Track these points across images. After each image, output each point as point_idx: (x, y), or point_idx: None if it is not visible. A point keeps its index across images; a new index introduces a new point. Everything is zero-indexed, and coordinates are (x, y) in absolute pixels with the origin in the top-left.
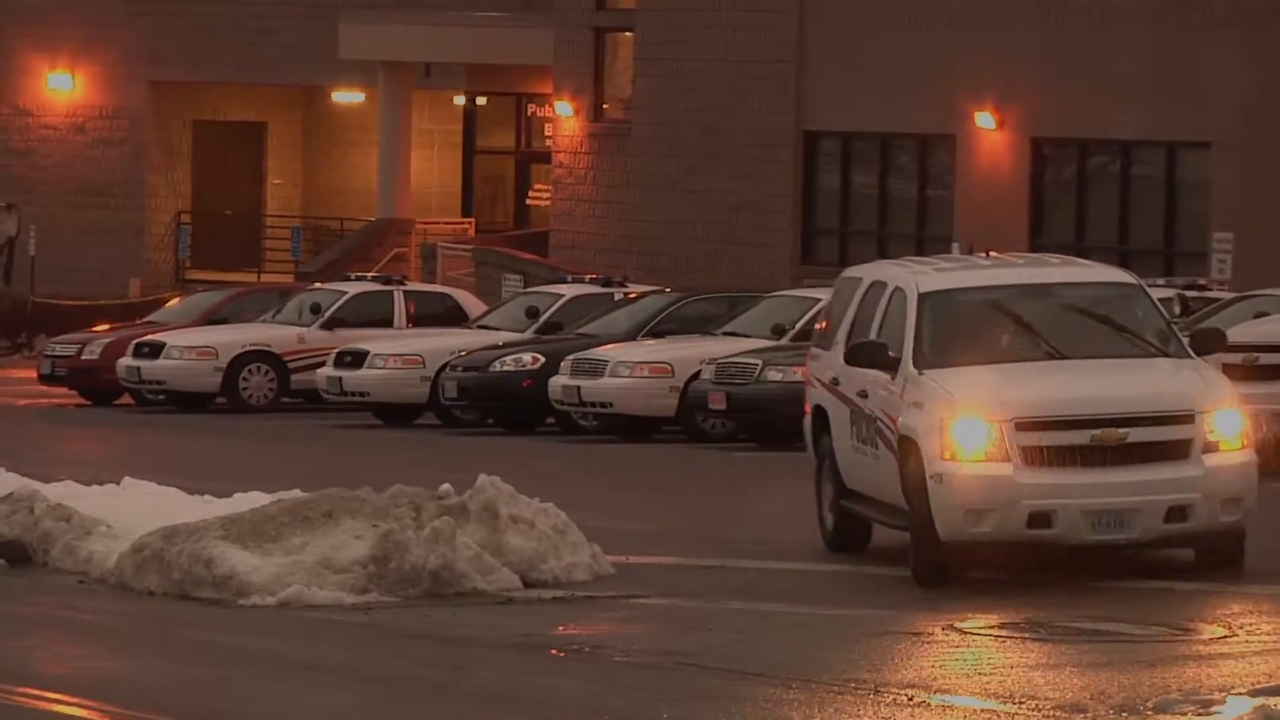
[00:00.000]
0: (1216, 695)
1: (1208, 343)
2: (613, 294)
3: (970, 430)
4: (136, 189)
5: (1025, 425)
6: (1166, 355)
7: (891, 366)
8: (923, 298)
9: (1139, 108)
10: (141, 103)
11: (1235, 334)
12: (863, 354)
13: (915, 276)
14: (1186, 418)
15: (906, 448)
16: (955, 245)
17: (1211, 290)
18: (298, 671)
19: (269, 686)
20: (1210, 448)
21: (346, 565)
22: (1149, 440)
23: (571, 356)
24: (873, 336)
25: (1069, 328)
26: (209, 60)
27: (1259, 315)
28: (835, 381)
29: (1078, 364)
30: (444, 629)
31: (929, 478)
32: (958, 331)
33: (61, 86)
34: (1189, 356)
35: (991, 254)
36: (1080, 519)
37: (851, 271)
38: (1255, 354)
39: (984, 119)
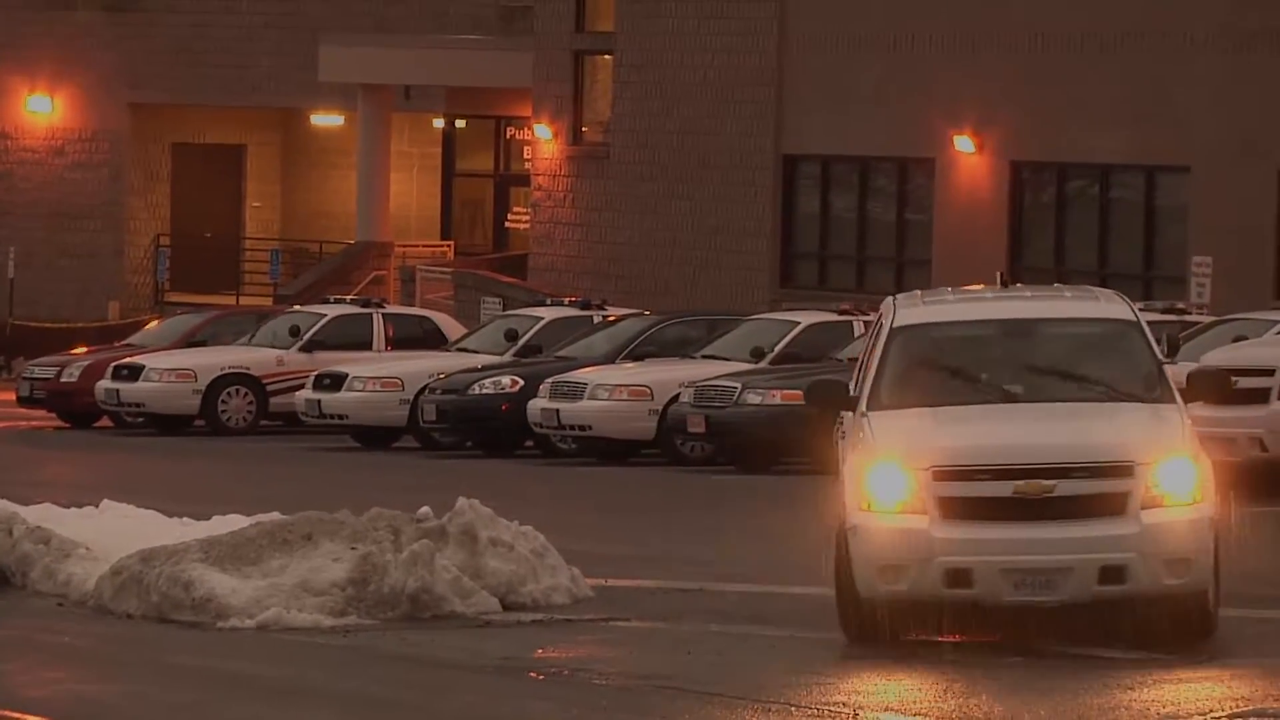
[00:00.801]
0: (1195, 719)
1: (1205, 387)
2: (592, 317)
3: (886, 479)
4: (115, 211)
5: (943, 475)
6: (1144, 400)
7: (850, 406)
8: (894, 332)
9: (1118, 132)
10: (121, 125)
11: (1214, 358)
12: (818, 393)
13: (901, 309)
14: (1123, 469)
15: (837, 494)
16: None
17: (1190, 314)
18: (276, 694)
19: (247, 709)
20: (1152, 503)
21: (325, 588)
22: (1079, 494)
23: (550, 379)
24: (861, 374)
25: (1043, 368)
26: (188, 83)
27: (1237, 339)
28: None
29: (1029, 408)
30: (423, 652)
31: (847, 529)
32: (921, 370)
33: (40, 109)
34: (1172, 402)
35: (1017, 285)
36: (1001, 578)
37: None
38: (1234, 377)
39: (963, 142)
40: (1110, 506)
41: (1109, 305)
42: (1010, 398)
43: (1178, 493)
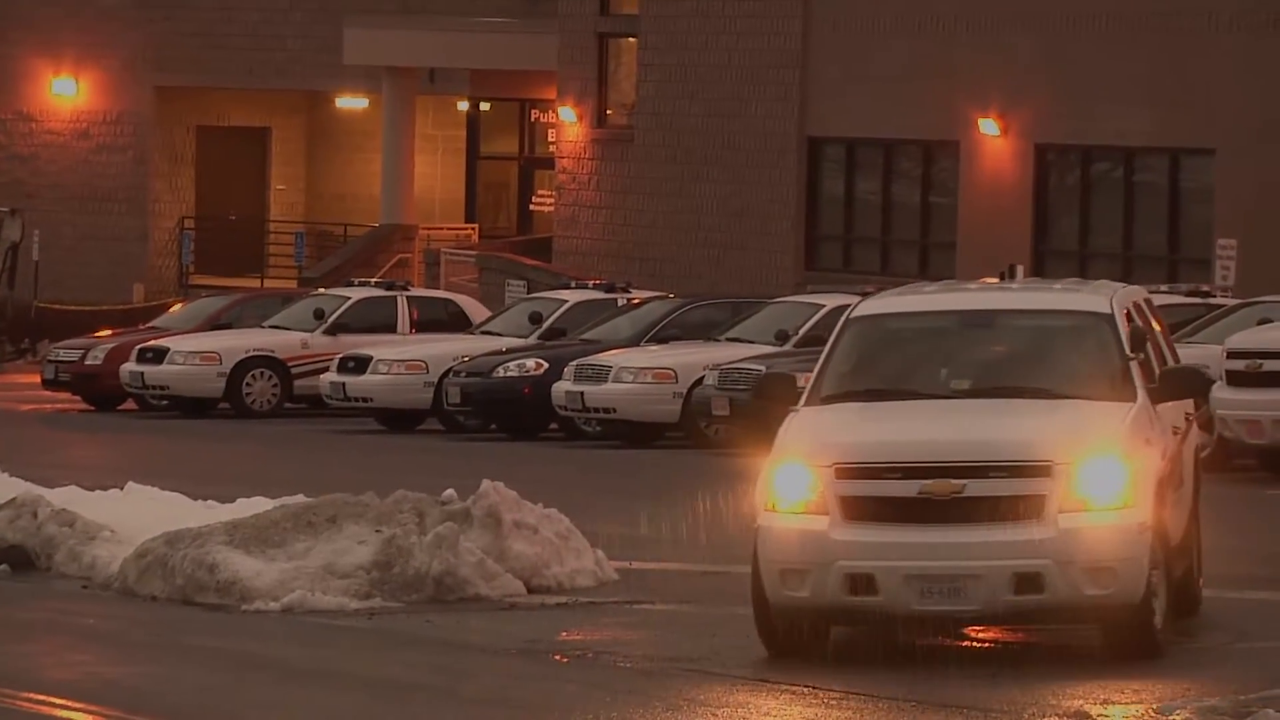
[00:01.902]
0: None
1: (1178, 386)
2: (616, 300)
3: (791, 477)
4: (140, 194)
5: (845, 472)
6: (1098, 398)
7: (794, 401)
8: (849, 323)
9: (1143, 114)
10: (145, 108)
11: (1239, 341)
12: (766, 388)
13: (867, 300)
14: (1039, 469)
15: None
16: (1019, 269)
17: (1215, 297)
18: (301, 677)
19: (272, 692)
20: (1072, 506)
21: (350, 571)
22: (991, 495)
23: (575, 362)
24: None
25: (997, 362)
26: (213, 65)
27: (1263, 321)
28: None
29: (958, 404)
30: (447, 634)
31: (755, 530)
32: (869, 363)
33: (65, 92)
34: (1131, 400)
35: (1027, 277)
36: (906, 585)
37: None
38: (1259, 360)
39: (988, 125)
40: (1025, 509)
41: (1085, 297)
42: (955, 393)
43: (1102, 496)
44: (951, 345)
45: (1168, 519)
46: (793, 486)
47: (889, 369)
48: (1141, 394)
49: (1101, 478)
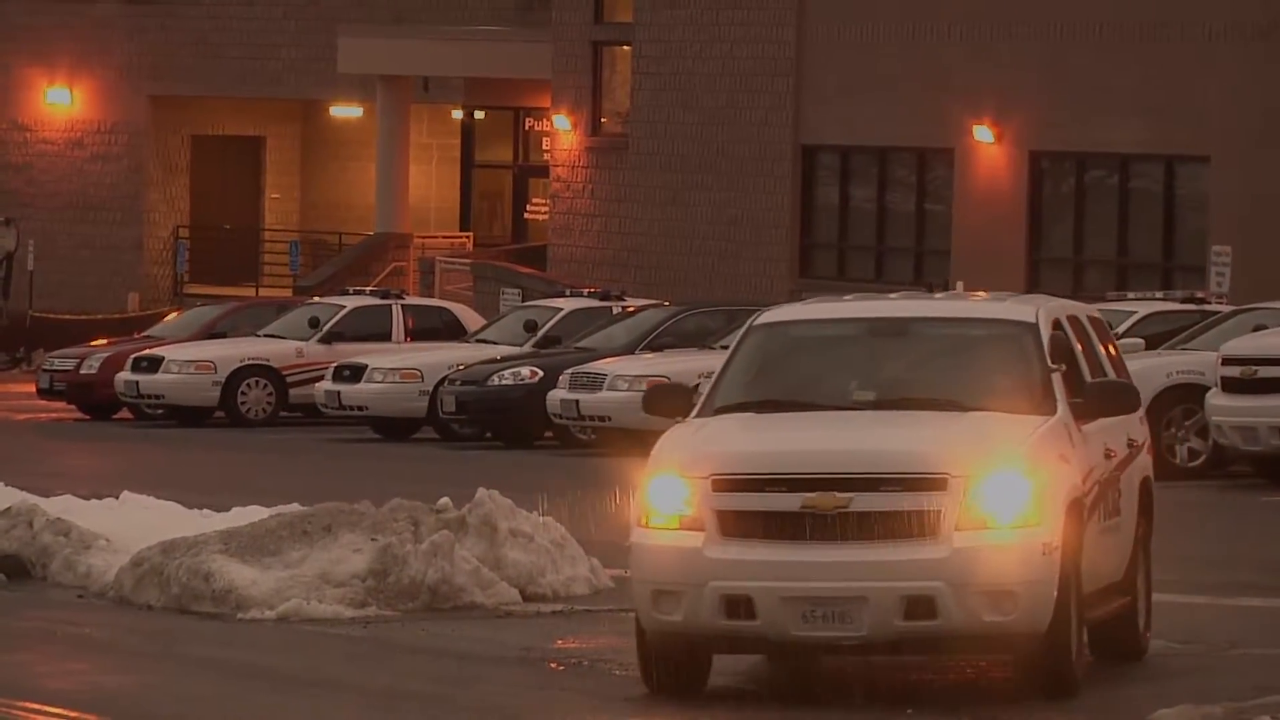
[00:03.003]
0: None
1: (1105, 401)
2: (611, 308)
3: (665, 490)
4: (135, 204)
5: (721, 484)
6: (1013, 410)
7: (683, 413)
8: (750, 331)
9: (1137, 121)
10: (140, 117)
11: (1234, 347)
12: (656, 399)
13: (775, 308)
14: (932, 482)
15: None
16: (959, 285)
17: (1210, 303)
18: (296, 685)
19: (268, 700)
20: (970, 524)
21: (345, 579)
22: (880, 510)
23: (570, 370)
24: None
25: (905, 373)
26: (207, 75)
27: (1258, 328)
28: None
29: (851, 415)
30: (443, 642)
31: (629, 549)
32: (768, 373)
33: (60, 101)
34: (1050, 414)
35: (941, 292)
36: (786, 608)
37: None
38: (1254, 367)
39: (982, 132)
40: (917, 526)
41: (1009, 306)
42: (857, 404)
43: (1004, 513)
44: (859, 355)
45: (1091, 547)
46: (666, 500)
47: (790, 379)
48: (1062, 408)
49: (1003, 493)
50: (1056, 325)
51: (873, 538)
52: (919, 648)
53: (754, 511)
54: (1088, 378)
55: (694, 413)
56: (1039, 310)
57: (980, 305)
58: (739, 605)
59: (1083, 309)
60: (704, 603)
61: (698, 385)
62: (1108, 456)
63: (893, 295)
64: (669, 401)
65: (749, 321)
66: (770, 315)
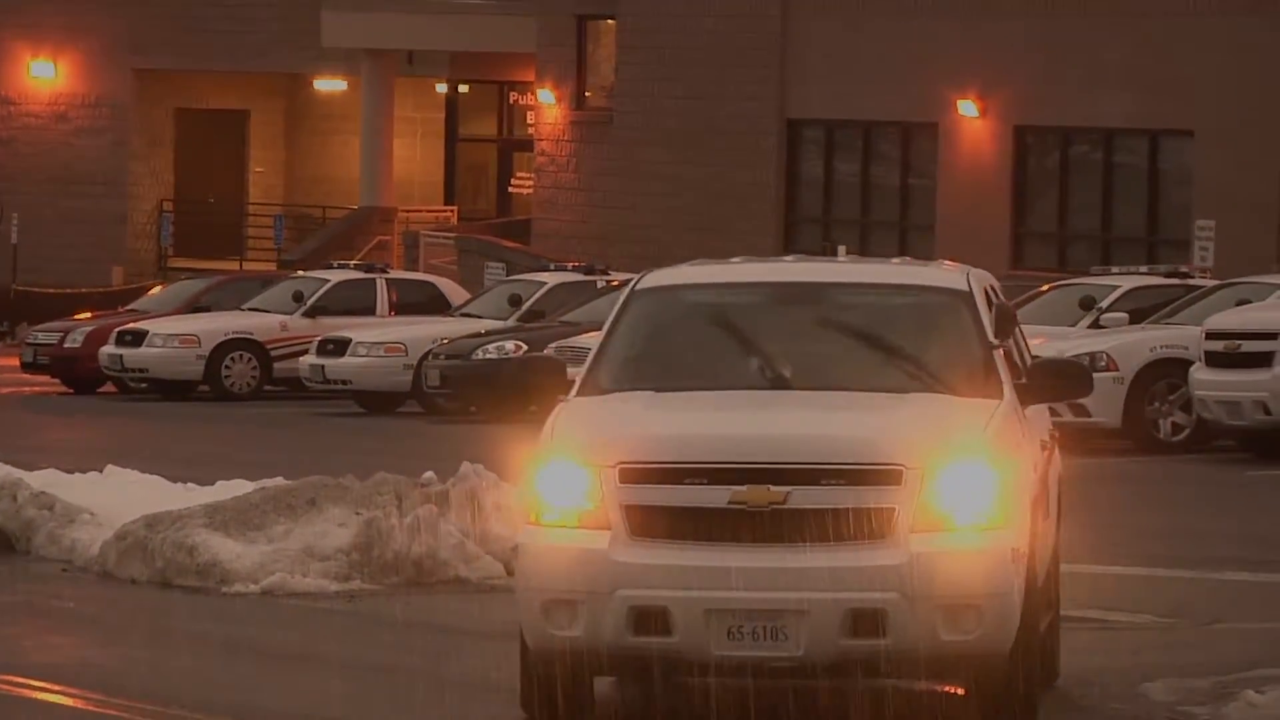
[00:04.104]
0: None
1: (1056, 382)
2: (595, 282)
3: (561, 479)
4: (119, 177)
5: (632, 474)
6: (952, 392)
7: (562, 391)
8: (633, 296)
9: (1122, 96)
10: (124, 91)
11: (1218, 321)
12: (528, 374)
13: (649, 271)
14: (886, 475)
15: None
16: (840, 249)
17: (1194, 278)
18: (281, 659)
19: (252, 674)
20: (927, 525)
21: (330, 553)
22: (822, 506)
23: (554, 344)
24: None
25: (824, 347)
26: (192, 48)
27: (1241, 302)
28: None
29: (778, 395)
30: (427, 616)
31: (514, 550)
32: (658, 347)
33: (44, 75)
34: (996, 397)
35: (843, 253)
36: (708, 623)
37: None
38: (1238, 341)
39: (967, 107)
40: (866, 527)
41: (935, 272)
42: (771, 384)
43: (965, 512)
44: (766, 326)
45: (1039, 551)
46: (563, 492)
47: (685, 355)
48: (1009, 390)
49: (965, 488)
50: (986, 295)
51: (814, 540)
52: (863, 670)
53: (671, 507)
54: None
55: (574, 392)
56: (968, 276)
57: (902, 270)
58: (652, 618)
59: (988, 277)
60: (609, 615)
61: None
62: (1043, 449)
63: (788, 258)
64: (541, 380)
65: (631, 285)
66: (654, 279)
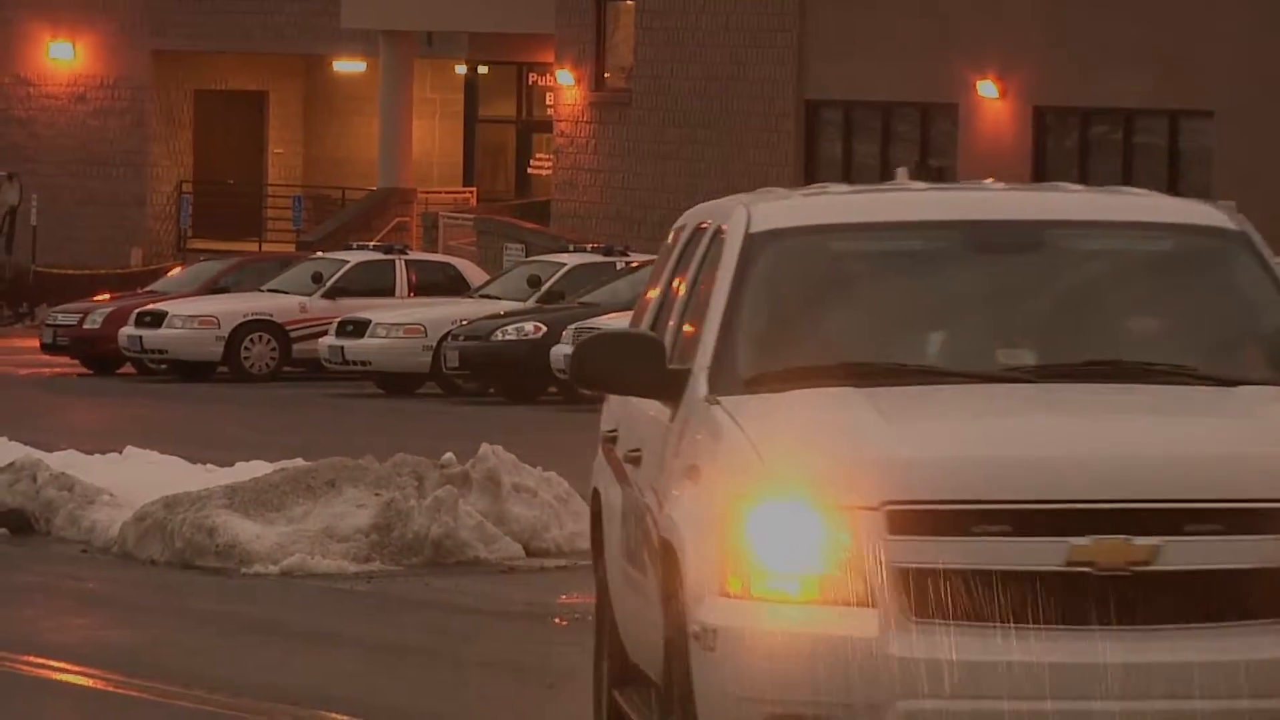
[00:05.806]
0: None
1: None
2: (615, 263)
3: (785, 529)
4: (138, 158)
5: (909, 520)
6: (1269, 382)
7: (670, 387)
8: (751, 242)
9: (1142, 76)
10: (143, 72)
11: None
12: (603, 361)
13: (752, 208)
14: None
15: (669, 565)
16: (899, 171)
17: None
18: (300, 640)
19: (271, 655)
20: None
21: (349, 534)
22: (1213, 567)
23: (573, 325)
24: (677, 326)
25: (1067, 317)
26: (211, 29)
27: None
28: (613, 434)
29: (1069, 391)
30: (446, 597)
31: (690, 636)
32: (816, 315)
33: (63, 56)
34: None
35: (901, 175)
36: None
37: (684, 219)
38: None
39: (986, 88)
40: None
41: (1185, 206)
42: (1011, 371)
43: None
44: (971, 284)
45: None
46: (790, 548)
47: (866, 326)
48: None
49: None
50: None
51: (1202, 619)
52: None
53: (973, 570)
54: None
55: (698, 384)
56: (1226, 214)
57: (1138, 202)
58: None
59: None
60: None
61: None
62: None
63: (916, 185)
64: (627, 367)
65: (742, 230)
66: (775, 217)
